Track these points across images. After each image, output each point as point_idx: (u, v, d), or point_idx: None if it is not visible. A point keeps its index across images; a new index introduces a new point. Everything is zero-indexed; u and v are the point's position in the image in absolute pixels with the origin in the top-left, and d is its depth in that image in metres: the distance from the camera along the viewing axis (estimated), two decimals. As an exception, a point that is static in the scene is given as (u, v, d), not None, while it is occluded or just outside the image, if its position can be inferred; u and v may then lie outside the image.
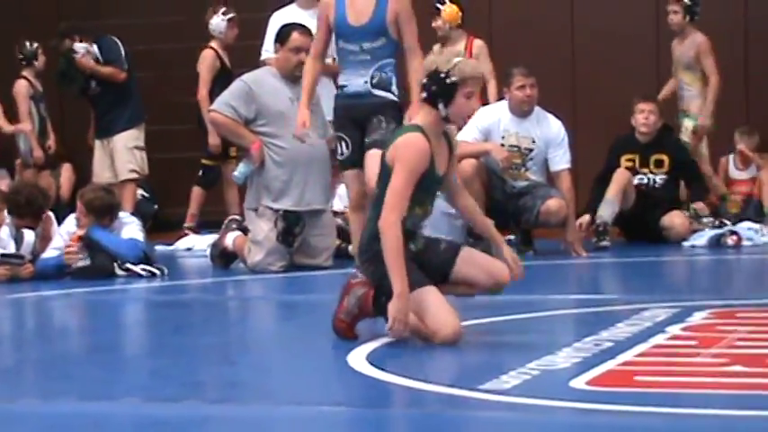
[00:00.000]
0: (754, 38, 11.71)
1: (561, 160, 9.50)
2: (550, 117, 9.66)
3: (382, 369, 4.79)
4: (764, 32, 11.59)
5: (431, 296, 5.30)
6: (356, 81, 7.16)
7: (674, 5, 10.65)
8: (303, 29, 8.63)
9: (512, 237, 10.31)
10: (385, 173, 5.34)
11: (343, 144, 7.37)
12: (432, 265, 5.44)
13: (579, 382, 4.42)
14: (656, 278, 8.35)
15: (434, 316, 5.27)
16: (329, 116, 8.39)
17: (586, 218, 9.88)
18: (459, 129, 5.88)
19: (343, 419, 4.16)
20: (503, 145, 9.47)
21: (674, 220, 10.00)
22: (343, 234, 9.36)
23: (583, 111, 11.74)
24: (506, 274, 5.44)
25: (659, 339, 5.24)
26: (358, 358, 5.03)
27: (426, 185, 5.36)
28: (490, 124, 9.53)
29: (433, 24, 10.39)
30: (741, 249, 9.73)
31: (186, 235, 10.97)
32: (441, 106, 5.31)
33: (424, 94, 5.34)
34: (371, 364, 4.92)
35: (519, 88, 9.45)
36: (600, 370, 4.62)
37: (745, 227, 10.23)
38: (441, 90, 5.30)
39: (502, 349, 5.25)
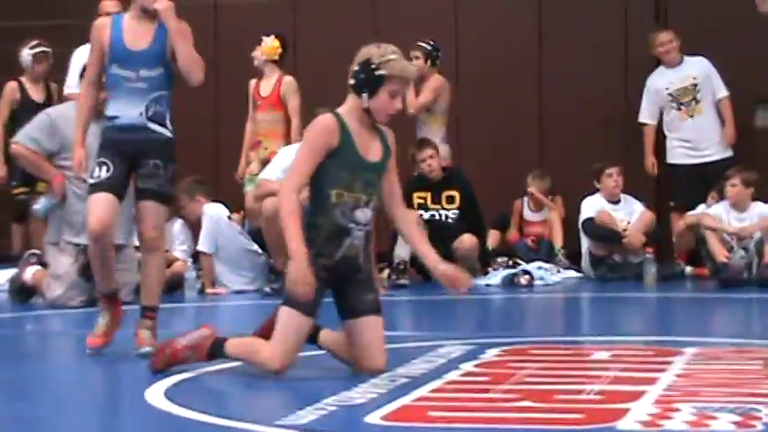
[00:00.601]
0: (548, 84, 11.92)
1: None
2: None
3: (180, 405, 4.69)
4: (558, 77, 11.81)
5: (291, 321, 5.18)
6: (130, 112, 6.04)
7: (416, 51, 10.74)
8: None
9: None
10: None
11: (104, 168, 6.07)
12: (342, 289, 5.33)
13: (374, 418, 4.38)
14: (452, 316, 8.40)
15: (277, 341, 5.18)
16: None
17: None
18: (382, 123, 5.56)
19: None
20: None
21: (463, 238, 10.29)
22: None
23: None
24: (381, 367, 5.28)
25: (453, 376, 5.25)
26: (156, 394, 4.91)
27: (348, 163, 5.24)
28: (293, 163, 9.50)
29: (252, 53, 10.39)
30: (533, 288, 9.88)
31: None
32: (364, 96, 5.24)
33: (352, 81, 5.28)
34: (169, 399, 4.81)
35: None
36: (395, 405, 4.60)
37: (536, 266, 10.41)
38: (367, 80, 5.23)
39: (299, 384, 5.19)
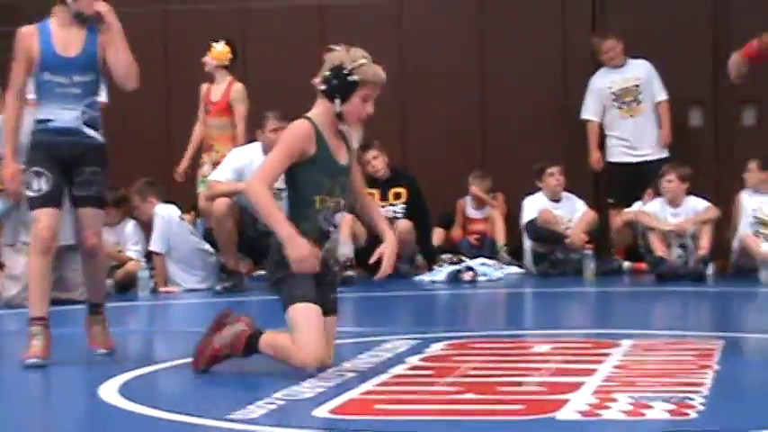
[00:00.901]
0: (490, 90, 11.96)
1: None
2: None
3: (133, 401, 4.68)
4: (499, 78, 11.85)
5: (309, 315, 5.12)
6: (64, 116, 5.78)
7: None
8: None
9: (263, 272, 10.31)
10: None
11: (43, 179, 5.74)
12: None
13: (322, 411, 4.40)
14: (397, 312, 8.43)
15: (304, 337, 5.10)
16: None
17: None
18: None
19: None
20: (254, 185, 9.46)
21: (400, 222, 10.42)
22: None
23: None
24: (329, 363, 5.27)
25: (399, 370, 5.28)
26: (109, 390, 4.90)
27: (327, 169, 5.23)
28: (243, 165, 9.51)
29: (203, 59, 10.37)
30: (477, 284, 9.93)
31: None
32: (337, 101, 5.20)
33: (323, 87, 5.22)
34: (123, 396, 4.80)
35: (272, 131, 9.47)
36: (342, 399, 4.62)
37: (479, 263, 10.46)
38: (340, 86, 5.18)
39: (249, 380, 5.19)
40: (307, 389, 4.84)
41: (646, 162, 10.99)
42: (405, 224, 10.50)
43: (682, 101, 11.34)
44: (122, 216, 9.97)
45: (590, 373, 5.06)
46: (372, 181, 10.59)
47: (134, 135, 11.31)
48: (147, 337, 7.52)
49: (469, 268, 10.20)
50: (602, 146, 11.24)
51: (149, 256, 9.93)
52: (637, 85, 11.11)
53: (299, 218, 5.22)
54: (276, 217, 5.14)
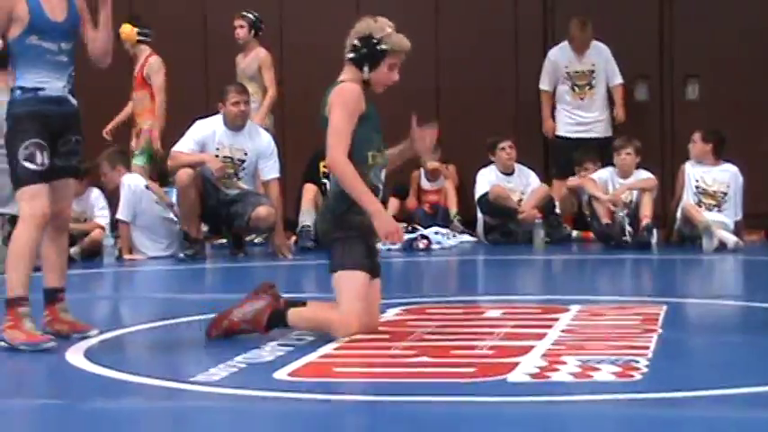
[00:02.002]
0: (445, 64, 11.95)
1: (271, 170, 9.58)
2: (261, 131, 9.73)
3: (99, 364, 4.67)
4: (454, 59, 11.85)
5: (356, 284, 5.08)
6: (55, 85, 5.32)
7: (240, 20, 10.71)
8: None
9: (224, 240, 10.28)
10: (327, 128, 5.15)
11: (45, 153, 5.24)
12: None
13: (282, 374, 4.40)
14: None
15: (349, 306, 5.06)
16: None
17: None
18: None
19: (60, 412, 4.02)
20: (217, 156, 9.44)
21: None
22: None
23: (291, 124, 11.75)
24: (377, 326, 5.24)
25: (356, 334, 5.27)
26: (76, 354, 4.88)
27: (375, 127, 5.22)
28: (205, 136, 9.49)
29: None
30: (431, 252, 9.95)
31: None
32: (365, 69, 5.18)
33: (352, 54, 5.20)
34: (88, 359, 4.78)
35: (234, 104, 9.46)
36: (301, 362, 4.62)
37: (433, 231, 10.48)
38: (369, 54, 5.17)
39: (212, 344, 5.17)
40: (267, 353, 4.84)
41: (591, 138, 11.03)
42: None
43: (628, 75, 11.38)
44: (86, 185, 9.91)
45: (540, 337, 5.08)
46: None
47: (103, 103, 11.21)
48: (113, 303, 7.49)
49: (424, 237, 10.21)
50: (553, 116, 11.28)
51: (114, 224, 9.88)
52: (592, 71, 11.13)
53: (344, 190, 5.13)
54: (362, 191, 5.07)
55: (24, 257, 5.17)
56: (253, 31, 10.71)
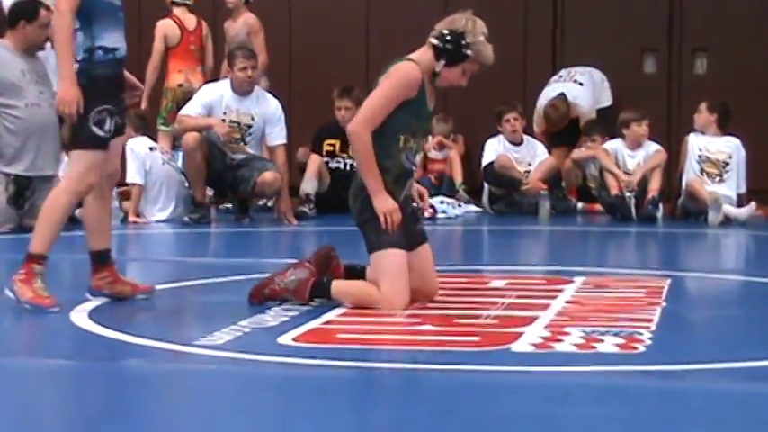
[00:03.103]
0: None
1: (278, 136, 9.57)
2: (269, 96, 9.71)
3: (104, 326, 4.67)
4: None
5: (397, 261, 5.01)
6: (123, 44, 5.16)
7: None
8: (45, 4, 8.44)
9: (229, 205, 10.29)
10: None
11: (113, 121, 5.11)
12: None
13: (286, 339, 4.41)
14: (359, 245, 8.41)
15: (392, 283, 4.98)
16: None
17: None
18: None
19: (67, 372, 4.03)
20: (224, 120, 9.43)
21: None
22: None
23: (298, 92, 11.75)
24: (436, 291, 5.22)
25: (360, 300, 5.28)
26: (80, 316, 4.89)
27: (418, 113, 5.09)
28: (213, 100, 9.47)
29: None
30: (436, 221, 9.95)
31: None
32: (441, 62, 5.06)
33: (436, 42, 5.07)
34: (93, 321, 4.79)
35: (241, 69, 9.44)
36: (306, 328, 4.63)
37: (438, 200, 10.47)
38: (452, 51, 5.05)
39: (217, 308, 5.18)
40: (271, 317, 4.84)
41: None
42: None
43: (637, 48, 11.35)
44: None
45: (544, 308, 5.08)
46: (335, 130, 10.18)
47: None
48: (117, 266, 7.48)
49: (429, 205, 10.20)
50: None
51: (119, 186, 9.88)
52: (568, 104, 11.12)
53: (382, 153, 5.05)
54: (370, 167, 5.00)
55: (55, 220, 5.09)
56: None
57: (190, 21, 10.57)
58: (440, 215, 10.18)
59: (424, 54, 5.12)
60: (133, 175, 9.66)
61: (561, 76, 11.26)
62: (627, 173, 10.14)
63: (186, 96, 10.04)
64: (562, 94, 11.02)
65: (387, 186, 5.06)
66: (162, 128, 10.52)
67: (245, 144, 9.51)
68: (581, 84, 11.14)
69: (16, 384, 3.85)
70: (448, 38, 5.07)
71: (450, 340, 4.47)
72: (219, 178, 9.47)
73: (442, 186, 11.16)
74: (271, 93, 9.87)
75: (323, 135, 10.42)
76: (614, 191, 10.00)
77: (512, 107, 10.78)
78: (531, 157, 10.80)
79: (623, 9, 11.13)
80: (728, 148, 10.01)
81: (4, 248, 7.84)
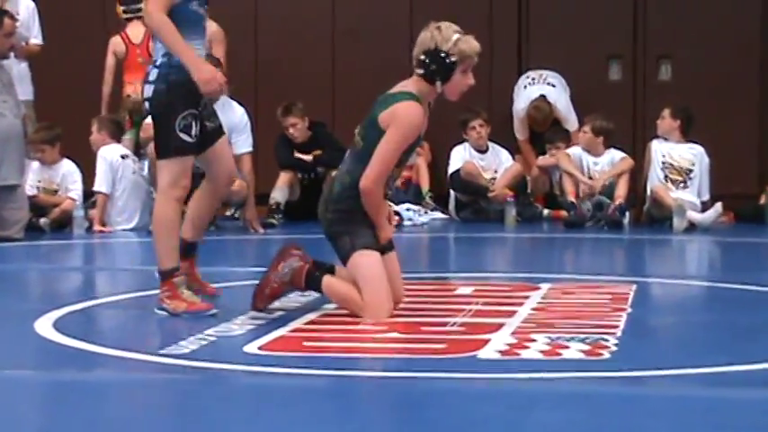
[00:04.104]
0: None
1: (243, 144, 9.55)
2: (234, 104, 9.68)
3: (68, 335, 4.65)
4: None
5: (374, 266, 4.98)
6: (202, 51, 5.24)
7: None
8: (9, 14, 8.44)
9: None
10: (373, 131, 4.99)
11: (198, 125, 5.20)
12: None
13: (252, 348, 4.40)
14: (325, 253, 8.40)
15: (374, 292, 4.95)
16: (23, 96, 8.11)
17: None
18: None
19: (31, 383, 4.01)
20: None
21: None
22: (35, 208, 9.19)
23: (263, 99, 11.72)
24: (402, 298, 5.18)
25: (327, 309, 5.27)
26: (45, 325, 4.86)
27: (412, 147, 5.07)
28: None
29: None
30: (402, 228, 9.95)
31: None
32: (438, 83, 5.01)
33: (421, 71, 5.00)
34: (58, 330, 4.76)
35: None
36: (272, 336, 4.62)
37: (405, 208, 10.48)
38: (440, 69, 4.98)
39: (182, 317, 5.16)
40: (237, 326, 4.83)
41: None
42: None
43: (602, 55, 11.39)
44: (58, 155, 9.87)
45: (510, 314, 5.09)
46: (293, 143, 10.35)
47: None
48: (83, 275, 7.46)
49: (395, 213, 10.20)
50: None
51: (87, 194, 9.85)
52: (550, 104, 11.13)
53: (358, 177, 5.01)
54: (380, 217, 5.00)
55: (170, 230, 5.19)
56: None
57: (137, 33, 10.55)
58: (406, 222, 10.19)
59: (417, 85, 5.06)
60: (100, 184, 9.63)
61: (533, 79, 11.26)
62: (591, 178, 10.18)
63: (135, 106, 10.03)
64: (542, 96, 11.04)
65: (363, 210, 5.03)
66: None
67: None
68: (553, 86, 11.17)
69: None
70: (427, 60, 5.02)
71: (417, 348, 4.47)
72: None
73: (409, 193, 11.16)
74: (236, 100, 9.84)
75: (286, 146, 10.39)
76: (570, 197, 10.04)
77: (476, 114, 10.78)
78: (496, 165, 10.82)
79: (588, 16, 11.17)
80: (692, 155, 10.07)
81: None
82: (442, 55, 4.99)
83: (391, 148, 4.97)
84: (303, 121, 10.38)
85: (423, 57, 5.01)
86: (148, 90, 5.17)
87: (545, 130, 11.09)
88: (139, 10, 10.51)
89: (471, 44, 5.06)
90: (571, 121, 11.11)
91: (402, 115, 4.98)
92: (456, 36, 5.02)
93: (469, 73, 5.08)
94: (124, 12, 10.61)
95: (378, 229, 5.04)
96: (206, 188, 5.43)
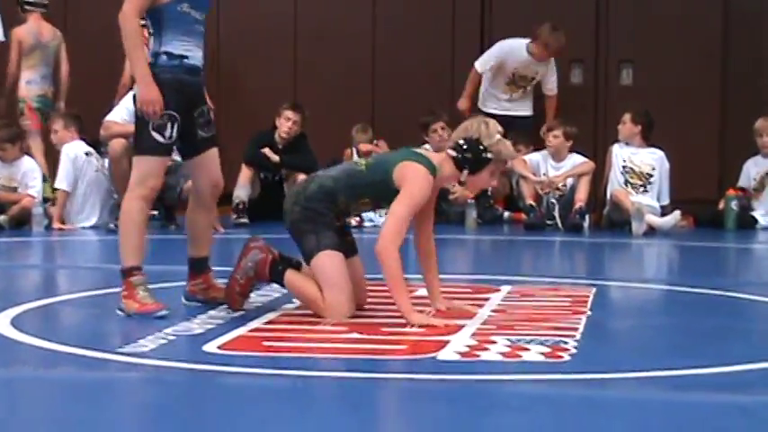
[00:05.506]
0: (382, 40, 11.91)
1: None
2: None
3: (25, 333, 4.61)
4: (389, 36, 11.82)
5: (338, 267, 4.99)
6: (197, 54, 5.21)
7: None
8: None
9: (155, 212, 10.22)
10: (382, 170, 5.03)
11: (175, 127, 5.17)
12: None
13: (212, 347, 4.38)
14: (287, 252, 8.39)
15: (336, 292, 4.96)
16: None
17: None
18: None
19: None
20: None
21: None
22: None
23: (227, 98, 11.68)
24: (365, 300, 5.22)
25: (287, 309, 5.27)
26: (2, 322, 4.83)
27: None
28: (139, 107, 9.40)
29: None
30: (362, 229, 9.94)
31: None
32: (465, 172, 5.03)
33: (454, 153, 5.03)
34: (15, 327, 4.73)
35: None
36: (231, 335, 4.61)
37: (366, 209, 10.46)
38: (473, 159, 5.01)
39: (141, 316, 5.13)
40: (197, 325, 4.82)
41: (514, 117, 11.02)
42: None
43: (564, 59, 11.42)
44: (19, 152, 9.82)
45: (470, 316, 5.09)
46: (272, 142, 10.32)
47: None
48: (42, 273, 7.40)
49: (356, 214, 10.19)
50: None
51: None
52: (534, 78, 11.13)
53: (346, 194, 5.07)
54: (399, 288, 4.95)
55: (135, 229, 5.15)
56: None
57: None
58: (367, 223, 10.18)
59: (443, 162, 5.09)
60: (60, 181, 9.58)
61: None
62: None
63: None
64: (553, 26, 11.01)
65: (335, 213, 5.08)
66: None
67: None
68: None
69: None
70: (465, 147, 5.05)
71: (377, 348, 4.46)
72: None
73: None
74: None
75: (259, 143, 10.36)
76: (529, 200, 10.09)
77: (438, 117, 10.75)
78: (457, 167, 10.80)
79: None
80: (652, 159, 10.12)
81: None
82: (481, 148, 5.04)
83: (405, 213, 4.99)
84: (300, 126, 10.36)
85: (461, 142, 5.07)
86: (135, 88, 5.17)
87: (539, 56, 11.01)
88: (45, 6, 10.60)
89: (509, 149, 5.16)
90: (551, 83, 11.13)
91: (416, 179, 4.99)
92: (498, 137, 5.07)
93: (495, 177, 5.15)
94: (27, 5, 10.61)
95: (404, 314, 4.92)
96: (193, 201, 5.43)
